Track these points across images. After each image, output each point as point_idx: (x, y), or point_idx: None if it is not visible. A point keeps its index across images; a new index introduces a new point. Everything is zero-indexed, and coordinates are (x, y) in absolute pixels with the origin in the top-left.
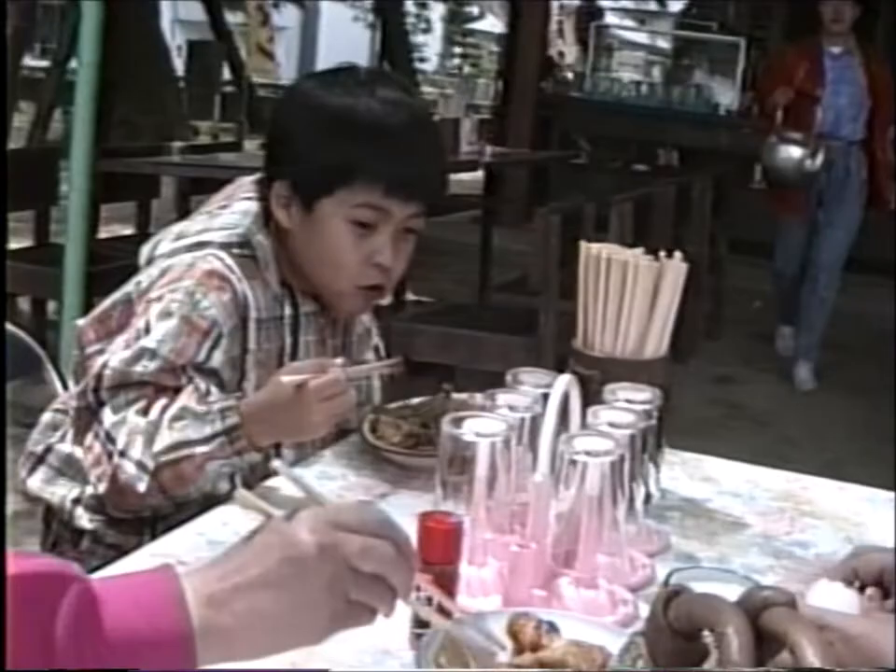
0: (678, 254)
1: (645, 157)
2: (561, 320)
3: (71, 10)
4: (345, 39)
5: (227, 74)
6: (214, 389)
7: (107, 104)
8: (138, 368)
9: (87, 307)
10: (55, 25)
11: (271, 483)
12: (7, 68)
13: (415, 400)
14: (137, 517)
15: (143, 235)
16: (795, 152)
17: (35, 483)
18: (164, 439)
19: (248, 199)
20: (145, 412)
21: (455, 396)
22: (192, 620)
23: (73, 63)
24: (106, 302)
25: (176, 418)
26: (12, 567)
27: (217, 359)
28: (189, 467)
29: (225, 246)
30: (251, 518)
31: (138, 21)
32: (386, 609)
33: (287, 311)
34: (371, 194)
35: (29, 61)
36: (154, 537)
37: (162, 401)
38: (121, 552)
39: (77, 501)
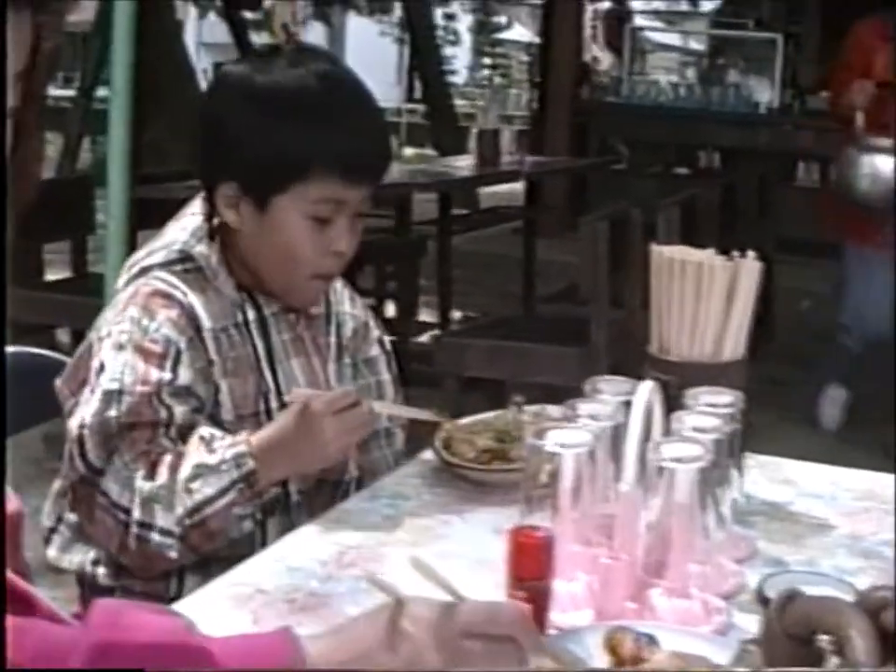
0: (751, 253)
1: (685, 159)
2: (612, 328)
3: (95, 37)
4: (373, 55)
5: None
6: (217, 433)
7: (137, 130)
8: (112, 413)
9: None
10: (78, 53)
11: None
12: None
13: (487, 415)
14: None
15: None
16: (885, 165)
17: (52, 553)
18: (185, 502)
19: (192, 215)
20: (151, 474)
21: (527, 408)
22: None
23: (99, 91)
24: (76, 355)
25: (192, 478)
26: (139, 633)
27: (185, 376)
28: (216, 522)
29: (165, 266)
30: (330, 543)
31: (164, 45)
32: None
33: (251, 315)
34: (327, 187)
35: (52, 90)
36: (181, 579)
37: (167, 460)
38: (153, 598)
39: (96, 563)
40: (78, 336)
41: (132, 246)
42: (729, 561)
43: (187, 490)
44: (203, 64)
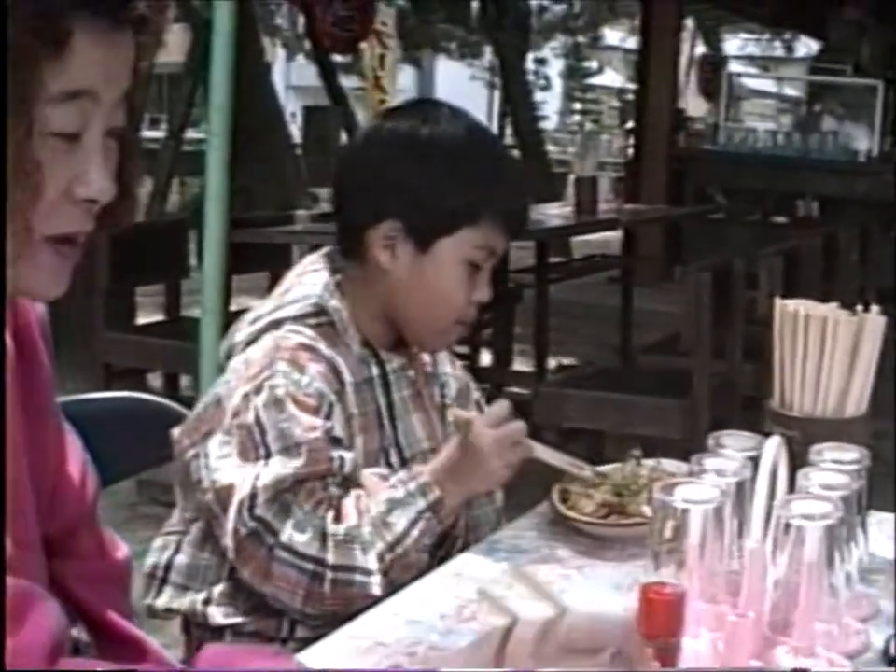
0: (874, 307)
1: (784, 208)
2: (713, 380)
3: (185, 78)
4: (462, 99)
5: (344, 139)
6: (386, 471)
7: (230, 173)
8: (291, 466)
9: None
10: (164, 95)
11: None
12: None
13: (604, 468)
14: (273, 605)
15: None
16: None
17: (163, 600)
18: (386, 536)
19: (316, 271)
20: (338, 518)
21: (644, 462)
22: None
23: (189, 133)
24: (199, 407)
25: (388, 512)
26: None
27: (337, 429)
28: (414, 553)
29: (300, 319)
30: (450, 596)
31: (253, 87)
32: None
33: (375, 371)
34: (490, 234)
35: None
36: (293, 622)
37: (349, 502)
38: (265, 638)
39: (206, 602)
40: (171, 379)
41: (227, 291)
42: (853, 620)
43: (385, 524)
44: (291, 107)
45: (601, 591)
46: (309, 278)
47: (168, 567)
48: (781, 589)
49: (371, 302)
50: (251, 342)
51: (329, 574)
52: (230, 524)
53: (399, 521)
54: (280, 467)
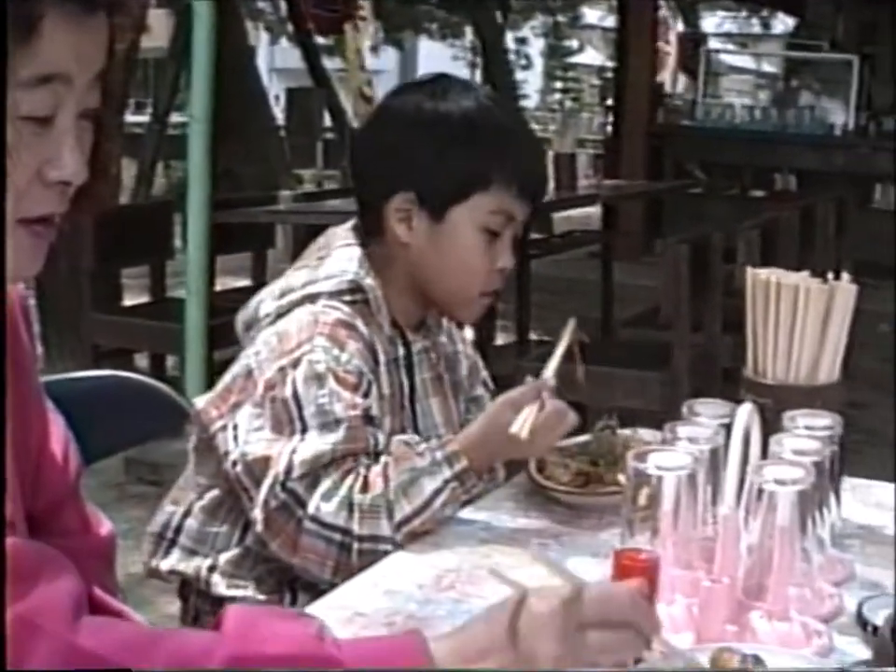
0: (845, 275)
1: (761, 182)
2: (693, 353)
3: (169, 63)
4: None
5: (328, 120)
6: (416, 437)
7: (213, 156)
8: (329, 442)
9: (209, 361)
10: (149, 80)
11: None
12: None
13: (580, 438)
14: (276, 578)
15: (260, 286)
16: None
17: (169, 562)
18: (404, 508)
19: (347, 245)
20: (364, 487)
21: (620, 432)
22: None
23: (173, 117)
24: (226, 378)
25: (410, 483)
26: (271, 646)
27: (374, 407)
28: (431, 522)
29: (335, 295)
30: (427, 566)
31: (237, 71)
32: None
33: (401, 351)
34: (504, 199)
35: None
36: (294, 594)
37: (376, 470)
38: None
39: (212, 569)
40: (157, 360)
41: (211, 271)
42: (827, 584)
43: (409, 493)
44: (275, 90)
45: (579, 559)
46: (342, 253)
47: (178, 529)
48: (755, 554)
49: (395, 279)
50: (282, 315)
51: (356, 545)
52: (261, 496)
53: (425, 489)
54: (318, 442)
